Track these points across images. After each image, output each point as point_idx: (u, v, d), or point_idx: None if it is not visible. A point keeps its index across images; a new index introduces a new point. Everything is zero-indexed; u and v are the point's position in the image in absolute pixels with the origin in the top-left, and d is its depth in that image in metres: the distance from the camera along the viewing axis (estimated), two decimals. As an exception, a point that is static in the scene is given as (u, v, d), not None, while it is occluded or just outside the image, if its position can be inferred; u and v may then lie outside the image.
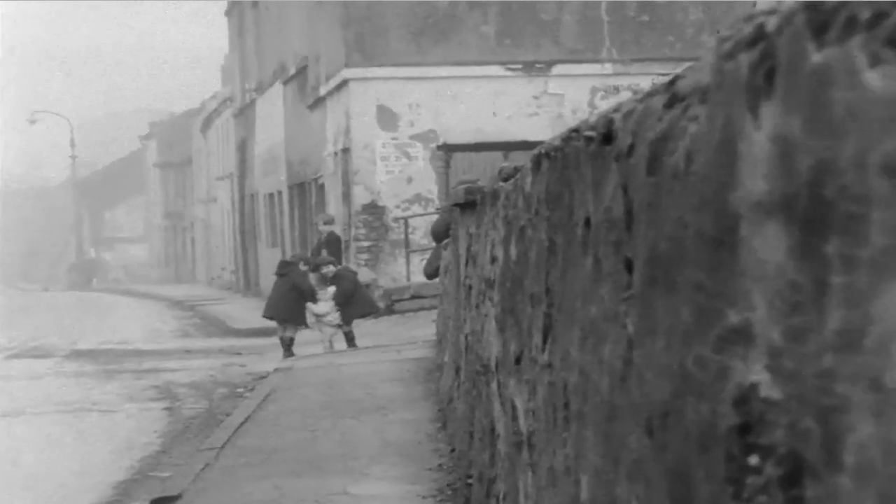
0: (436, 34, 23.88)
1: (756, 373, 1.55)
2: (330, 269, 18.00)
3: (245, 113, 40.77)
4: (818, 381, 1.37)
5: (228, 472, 8.55)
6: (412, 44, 23.87)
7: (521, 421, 4.15)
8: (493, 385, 5.34)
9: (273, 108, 34.88)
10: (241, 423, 10.70)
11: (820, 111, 1.36)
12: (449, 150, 24.02)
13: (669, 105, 1.98)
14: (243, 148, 41.41)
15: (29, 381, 16.99)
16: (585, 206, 2.72)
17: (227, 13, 43.92)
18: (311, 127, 28.87)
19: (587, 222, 2.70)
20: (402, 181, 23.94)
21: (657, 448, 2.05)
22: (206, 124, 53.30)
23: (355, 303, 17.79)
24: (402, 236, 23.63)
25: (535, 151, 3.54)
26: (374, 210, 23.98)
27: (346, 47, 23.99)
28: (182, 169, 65.10)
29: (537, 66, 24.07)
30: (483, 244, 5.87)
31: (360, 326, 18.22)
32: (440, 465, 8.27)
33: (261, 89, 37.31)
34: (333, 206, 25.90)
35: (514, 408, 4.38)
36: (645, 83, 18.99)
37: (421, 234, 22.93)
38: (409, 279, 22.84)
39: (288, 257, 22.12)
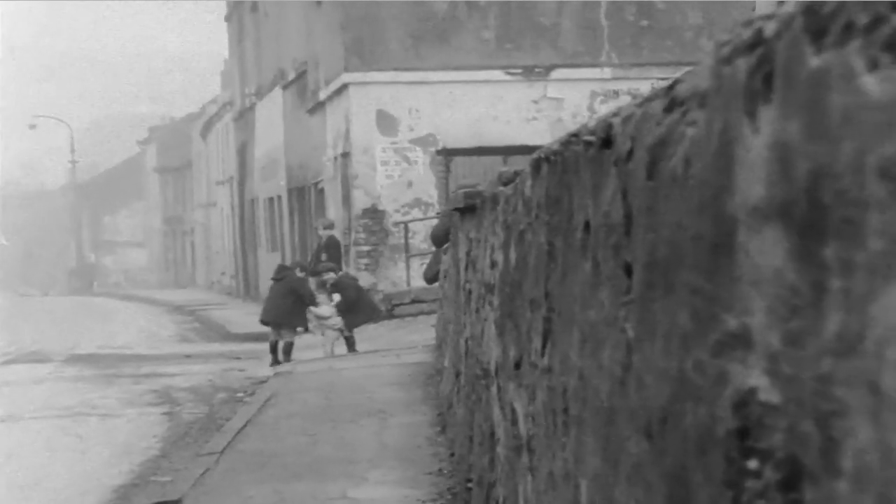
0: (435, 38, 23.90)
1: (754, 377, 1.56)
2: (331, 276, 17.96)
3: (245, 117, 40.79)
4: (816, 385, 1.37)
5: (228, 477, 8.55)
6: (412, 48, 23.89)
7: (521, 425, 4.15)
8: (493, 389, 5.34)
9: (273, 113, 34.89)
10: (241, 428, 10.70)
11: (818, 115, 1.37)
12: (449, 154, 24.03)
13: (668, 109, 1.98)
14: (243, 152, 41.43)
15: (28, 386, 16.98)
16: (585, 210, 2.72)
17: (227, 18, 43.96)
18: (311, 131, 28.88)
19: (586, 226, 2.70)
20: (402, 186, 23.95)
21: (656, 452, 2.05)
22: (206, 129, 53.33)
23: (359, 310, 17.77)
24: (402, 241, 23.63)
25: (535, 156, 3.54)
26: (373, 214, 23.98)
27: (346, 52, 24.00)
28: (182, 173, 65.13)
29: (537, 70, 24.09)
30: (483, 249, 5.87)
31: (360, 331, 18.21)
32: (440, 470, 8.27)
33: (260, 94, 37.33)
34: (333, 211, 25.91)
35: (513, 412, 4.39)
36: (644, 87, 19.02)
37: (421, 238, 22.93)
38: (408, 284, 22.84)
39: (287, 263, 22.10)
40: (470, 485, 6.82)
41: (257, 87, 38.04)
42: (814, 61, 1.37)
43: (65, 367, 20.14)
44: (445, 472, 8.17)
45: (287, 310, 17.74)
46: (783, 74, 1.46)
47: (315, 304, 17.87)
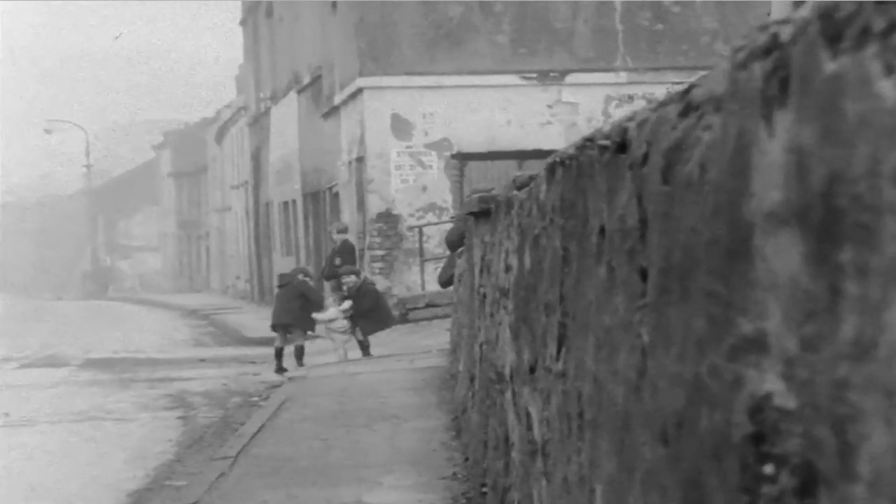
0: (450, 43, 23.91)
1: (770, 382, 1.55)
2: (352, 280, 17.90)
3: (259, 122, 40.86)
4: (832, 389, 1.37)
5: (243, 481, 8.56)
6: (426, 53, 23.90)
7: (536, 430, 4.15)
8: (508, 394, 5.34)
9: (287, 117, 34.94)
10: (256, 433, 10.72)
11: (833, 120, 1.37)
12: (463, 158, 24.04)
13: (684, 114, 1.98)
14: (258, 157, 41.50)
15: (43, 390, 17.03)
16: (600, 214, 2.72)
17: (242, 23, 44.04)
18: (326, 136, 28.92)
19: (601, 231, 2.70)
20: (417, 190, 23.96)
21: (671, 457, 2.05)
22: (221, 133, 53.43)
23: (376, 317, 17.75)
24: (417, 245, 23.64)
25: (550, 160, 3.54)
26: (388, 219, 24.00)
27: (360, 56, 24.03)
28: (196, 178, 65.26)
29: (551, 74, 24.08)
30: (497, 253, 5.87)
31: (374, 335, 18.22)
32: (454, 474, 8.27)
33: (275, 98, 37.39)
34: (348, 215, 25.93)
35: (528, 416, 4.38)
36: (659, 92, 18.98)
37: (435, 242, 22.94)
38: (423, 288, 22.85)
39: (288, 271, 22.07)
40: (484, 489, 6.82)
41: (272, 91, 38.11)
42: (830, 66, 1.37)
43: (80, 371, 20.19)
44: (460, 476, 8.17)
45: (297, 312, 17.78)
46: (799, 79, 1.46)
47: (321, 307, 17.92)
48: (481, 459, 7.21)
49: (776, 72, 1.52)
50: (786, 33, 1.50)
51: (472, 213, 7.61)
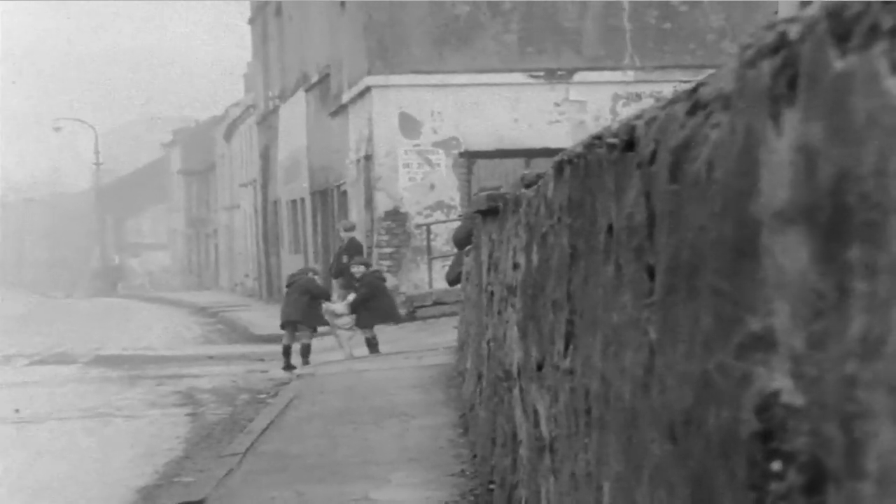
0: (458, 42, 23.91)
1: (778, 379, 1.56)
2: (359, 269, 18.00)
3: (268, 120, 40.89)
4: (840, 387, 1.38)
5: (251, 478, 8.57)
6: (434, 51, 23.90)
7: (543, 427, 4.15)
8: (516, 391, 5.34)
9: (296, 116, 34.96)
10: (264, 430, 10.73)
11: (842, 118, 1.37)
12: (471, 157, 24.04)
13: (692, 112, 1.98)
14: (266, 155, 41.53)
15: (53, 387, 17.06)
16: (607, 212, 2.72)
17: (251, 21, 44.08)
18: (334, 134, 28.93)
19: (609, 229, 2.71)
20: (425, 188, 23.97)
21: (679, 454, 2.05)
22: (230, 131, 53.47)
23: (372, 309, 17.73)
24: (425, 243, 23.65)
25: (558, 158, 3.54)
26: (396, 217, 24.01)
27: (369, 55, 24.04)
28: (205, 176, 65.30)
29: (559, 73, 24.07)
30: (505, 251, 5.88)
31: (382, 333, 18.23)
32: (462, 471, 8.28)
33: (283, 97, 37.42)
34: (356, 213, 25.94)
35: (536, 414, 4.39)
36: (667, 90, 18.97)
37: (443, 240, 22.93)
38: (431, 285, 22.86)
39: (295, 271, 22.11)
40: (492, 486, 6.82)
41: (280, 89, 38.13)
42: (838, 64, 1.37)
43: (89, 368, 20.23)
44: (467, 473, 8.17)
45: (304, 308, 17.81)
46: (807, 77, 1.46)
47: (328, 298, 17.99)
48: (489, 456, 7.22)
49: (784, 70, 1.53)
50: (794, 32, 1.50)
51: (479, 212, 7.61)
